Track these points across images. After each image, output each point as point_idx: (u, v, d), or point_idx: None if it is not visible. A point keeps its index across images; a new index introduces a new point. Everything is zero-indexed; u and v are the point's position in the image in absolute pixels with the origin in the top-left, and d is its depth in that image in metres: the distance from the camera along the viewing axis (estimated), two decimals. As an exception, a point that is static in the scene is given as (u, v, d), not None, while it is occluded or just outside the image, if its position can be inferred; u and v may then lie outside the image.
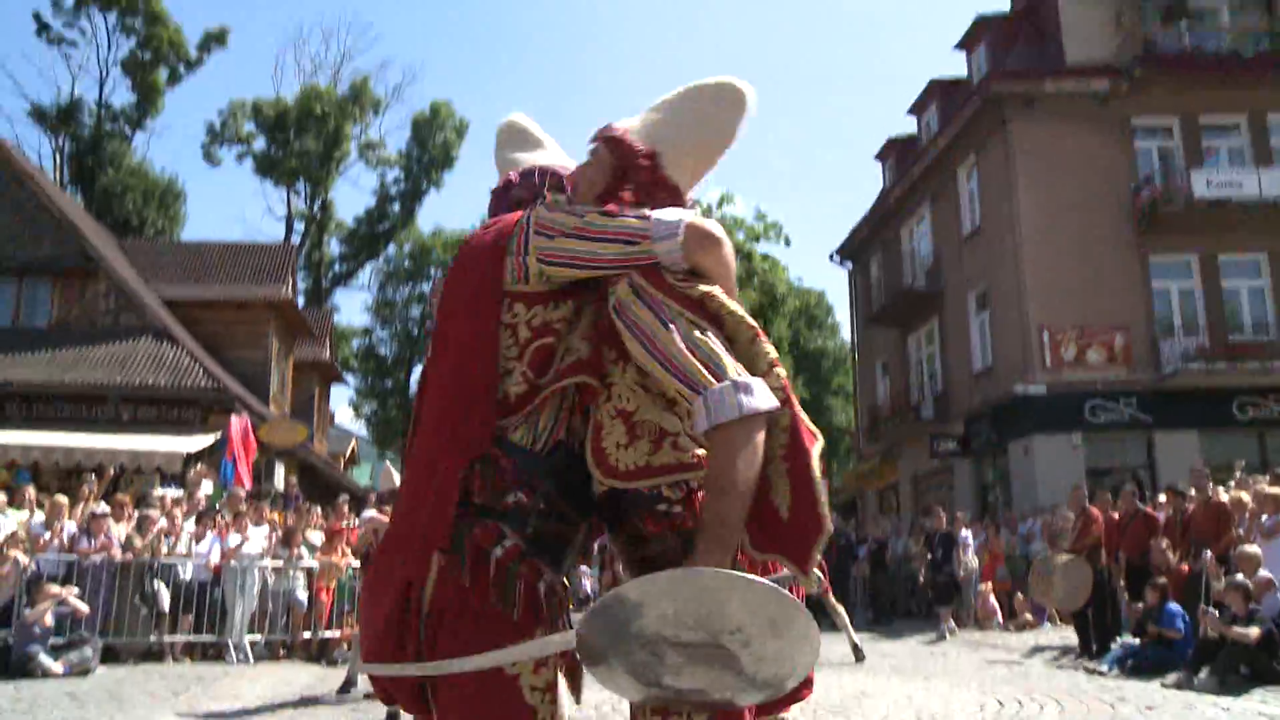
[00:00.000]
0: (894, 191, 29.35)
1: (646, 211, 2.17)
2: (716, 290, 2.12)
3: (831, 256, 33.13)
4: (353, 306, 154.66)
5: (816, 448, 2.03)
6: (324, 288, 45.89)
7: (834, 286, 70.84)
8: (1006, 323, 23.00)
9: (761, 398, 1.95)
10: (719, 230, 2.17)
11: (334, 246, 47.24)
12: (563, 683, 2.12)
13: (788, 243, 37.51)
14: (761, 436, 1.94)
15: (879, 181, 33.08)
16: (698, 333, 2.04)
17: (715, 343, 2.04)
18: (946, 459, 25.57)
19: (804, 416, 2.07)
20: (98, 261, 20.51)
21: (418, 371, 48.26)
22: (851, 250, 32.51)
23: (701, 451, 2.11)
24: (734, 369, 1.98)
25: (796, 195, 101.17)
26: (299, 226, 45.09)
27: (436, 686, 2.01)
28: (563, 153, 2.74)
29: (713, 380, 1.95)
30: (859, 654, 10.90)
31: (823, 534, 1.96)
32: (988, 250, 23.84)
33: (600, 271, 2.16)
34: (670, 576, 1.76)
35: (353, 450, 40.67)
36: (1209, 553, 10.08)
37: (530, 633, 1.98)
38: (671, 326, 2.03)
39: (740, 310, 2.14)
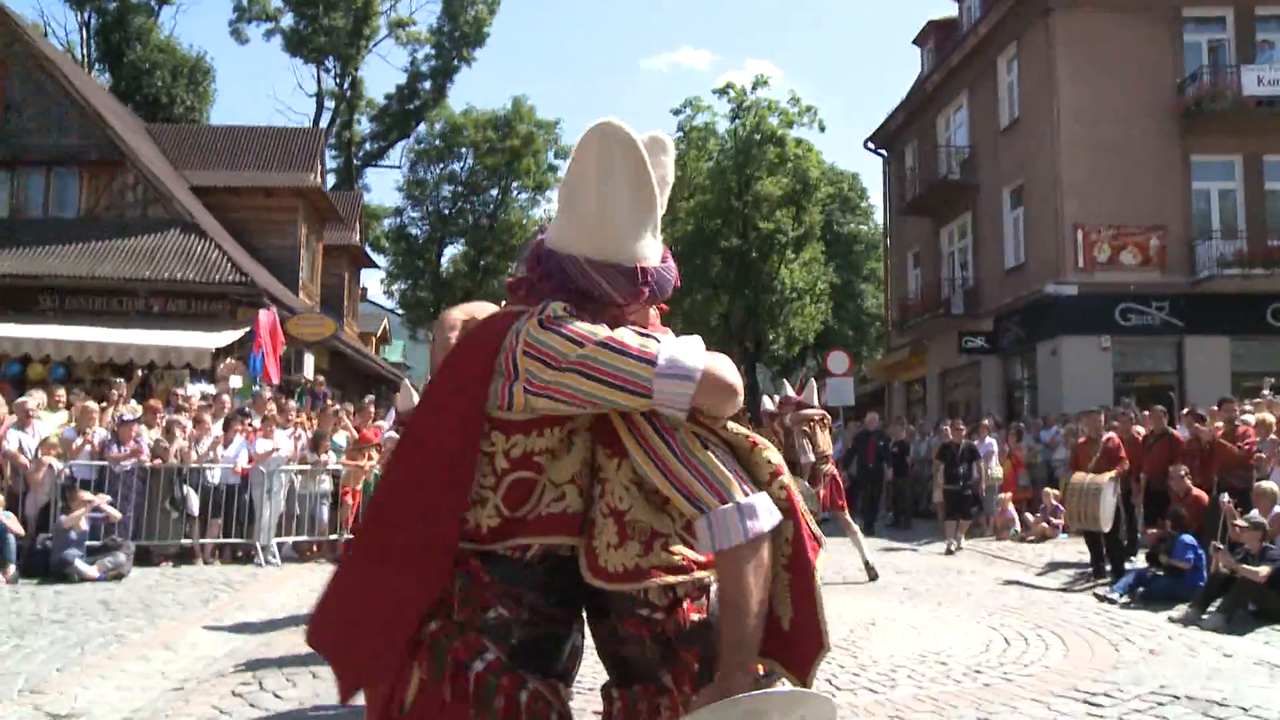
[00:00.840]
0: (931, 78, 28.60)
1: (658, 340, 1.99)
2: None
3: (866, 144, 32.51)
4: (384, 185, 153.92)
5: (820, 559, 2.05)
6: (355, 166, 45.66)
7: (868, 174, 69.93)
8: (1040, 220, 22.61)
9: (765, 517, 1.95)
10: (737, 380, 2.02)
11: (364, 125, 46.86)
12: None
13: (822, 128, 36.78)
14: (767, 553, 1.96)
15: (917, 67, 32.23)
16: (698, 444, 2.02)
17: (717, 457, 2.02)
18: (974, 356, 25.47)
19: (808, 523, 2.08)
20: (125, 152, 20.44)
21: (449, 251, 48.62)
22: (886, 138, 31.88)
23: (692, 554, 2.11)
24: (738, 489, 1.97)
25: (832, 79, 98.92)
26: (329, 104, 44.68)
27: None
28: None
29: (715, 501, 1.94)
30: (872, 573, 11.04)
31: (823, 650, 2.01)
32: (1025, 144, 23.30)
33: (593, 410, 2.03)
34: (711, 709, 1.87)
35: (384, 329, 40.99)
36: (1226, 497, 10.05)
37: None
38: (670, 439, 2.01)
39: (736, 425, 2.12)
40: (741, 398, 2.03)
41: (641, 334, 2.02)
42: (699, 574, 2.12)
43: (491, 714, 1.98)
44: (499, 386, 2.01)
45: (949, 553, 14.08)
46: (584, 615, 2.24)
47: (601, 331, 1.99)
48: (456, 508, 2.03)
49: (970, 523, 15.40)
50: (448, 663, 2.00)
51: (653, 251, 2.17)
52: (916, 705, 5.92)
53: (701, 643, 2.12)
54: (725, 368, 2.01)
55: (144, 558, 11.53)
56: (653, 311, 2.30)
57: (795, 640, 2.01)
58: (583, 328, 2.00)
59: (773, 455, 2.10)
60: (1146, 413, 13.55)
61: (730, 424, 2.09)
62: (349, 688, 2.07)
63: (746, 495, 1.96)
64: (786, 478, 2.08)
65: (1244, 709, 5.80)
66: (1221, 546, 9.13)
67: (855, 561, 11.33)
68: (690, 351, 1.99)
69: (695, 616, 2.14)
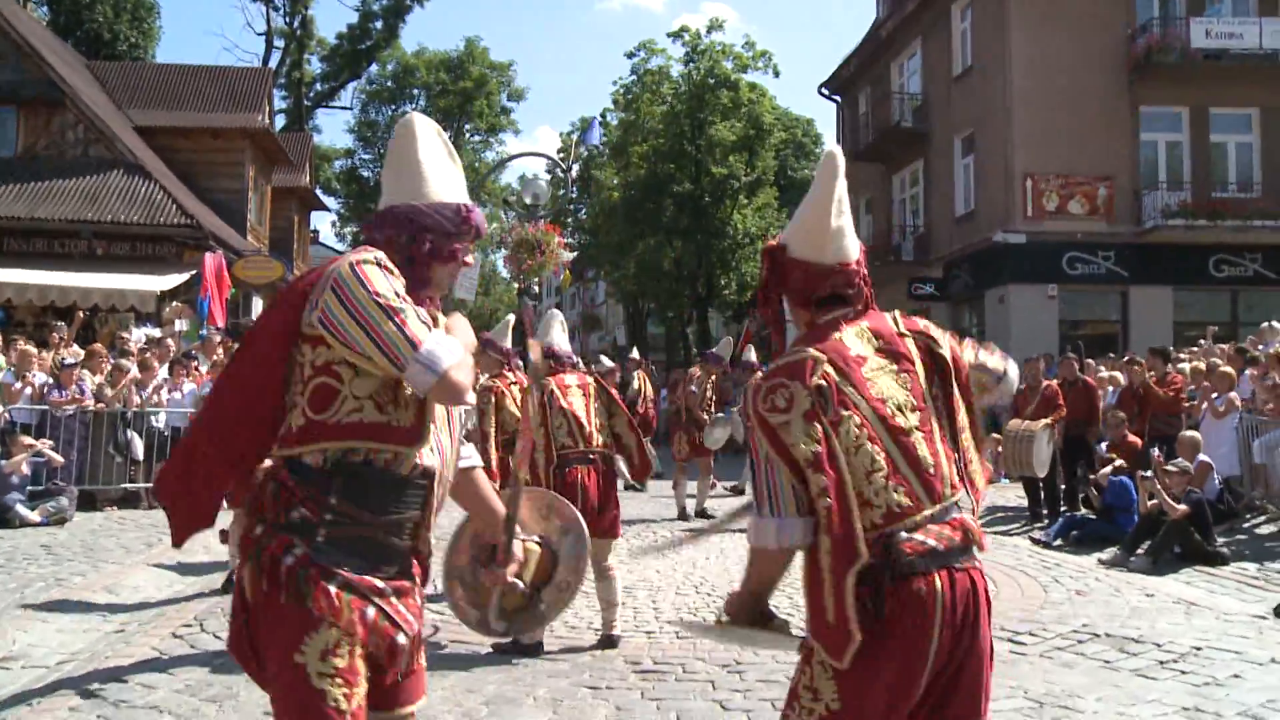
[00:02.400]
0: (886, 25, 28.50)
1: (430, 330, 2.33)
2: None
3: (820, 90, 32.46)
4: (335, 127, 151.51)
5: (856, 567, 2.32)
6: (305, 107, 44.91)
7: (823, 120, 69.61)
8: (991, 168, 22.77)
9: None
10: (466, 386, 2.34)
11: (315, 65, 46.04)
12: None
13: (777, 73, 36.58)
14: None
15: (872, 14, 32.16)
16: None
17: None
18: (924, 303, 25.71)
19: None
20: (65, 90, 19.97)
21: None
22: (840, 84, 31.82)
23: None
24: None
25: (787, 24, 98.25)
26: (279, 44, 43.80)
27: (264, 659, 2.37)
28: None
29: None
30: None
31: (853, 643, 2.29)
32: (977, 92, 23.38)
33: (351, 355, 2.34)
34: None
35: (336, 273, 40.59)
36: (1156, 451, 10.28)
37: (319, 626, 2.28)
38: None
39: None
40: (469, 402, 2.41)
41: (422, 320, 2.34)
42: None
43: (305, 601, 2.29)
44: (309, 312, 2.37)
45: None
46: (419, 523, 2.48)
47: (393, 297, 2.32)
48: (271, 400, 2.43)
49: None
50: (265, 559, 2.32)
51: (466, 196, 2.62)
52: (847, 644, 6.08)
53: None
54: (464, 373, 2.33)
55: (87, 502, 11.47)
56: (455, 318, 2.61)
57: (838, 632, 2.33)
58: (381, 284, 2.33)
59: None
60: (1060, 367, 13.62)
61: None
62: (179, 537, 2.52)
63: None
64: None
65: (1157, 644, 6.03)
66: (1149, 475, 9.42)
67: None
68: (448, 352, 2.30)
69: None
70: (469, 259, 2.63)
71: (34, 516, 10.45)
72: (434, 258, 2.51)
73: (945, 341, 2.69)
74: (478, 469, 2.80)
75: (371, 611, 2.34)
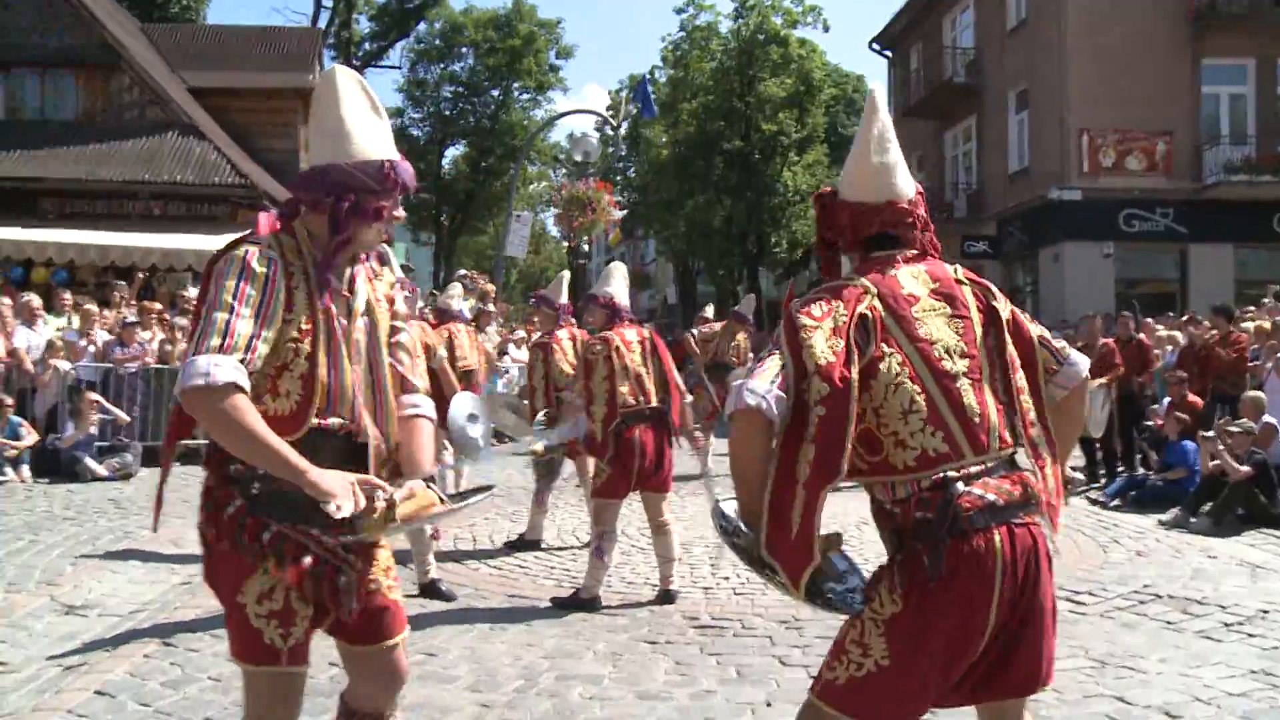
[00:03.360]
0: (939, -22, 28.06)
1: (220, 348, 2.34)
2: None
3: (871, 45, 32.01)
4: (384, 86, 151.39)
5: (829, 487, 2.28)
6: (354, 67, 44.81)
7: (874, 76, 68.47)
8: (1045, 123, 22.41)
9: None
10: (203, 414, 2.34)
11: (363, 24, 46.02)
12: None
13: (826, 28, 36.35)
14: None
15: (925, -34, 31.55)
16: None
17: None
18: (977, 261, 25.40)
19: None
20: (120, 53, 20.15)
21: (450, 153, 48.22)
22: (891, 39, 31.35)
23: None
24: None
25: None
26: (327, 3, 43.79)
27: (219, 594, 2.59)
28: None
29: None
30: None
31: (812, 563, 2.29)
32: (1031, 46, 22.96)
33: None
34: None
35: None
36: (1221, 419, 10.09)
37: (255, 571, 2.48)
38: None
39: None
40: (197, 415, 2.39)
41: (224, 333, 2.35)
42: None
43: (242, 548, 2.48)
44: None
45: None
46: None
47: (225, 295, 2.39)
48: None
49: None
50: (211, 508, 2.53)
51: (393, 151, 2.65)
52: (905, 602, 6.09)
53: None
54: (197, 405, 2.33)
55: (152, 458, 11.69)
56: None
57: (798, 547, 2.29)
58: (230, 281, 2.42)
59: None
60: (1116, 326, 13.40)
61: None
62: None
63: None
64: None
65: (1222, 606, 5.97)
66: (1210, 434, 9.29)
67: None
68: (199, 372, 2.29)
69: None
70: (399, 213, 2.71)
71: (101, 470, 10.72)
72: (357, 216, 2.55)
73: (1005, 302, 2.65)
74: (420, 418, 2.80)
75: (308, 559, 2.50)
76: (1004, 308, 2.60)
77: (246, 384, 2.34)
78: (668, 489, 6.19)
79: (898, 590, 2.35)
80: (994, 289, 2.66)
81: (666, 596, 6.10)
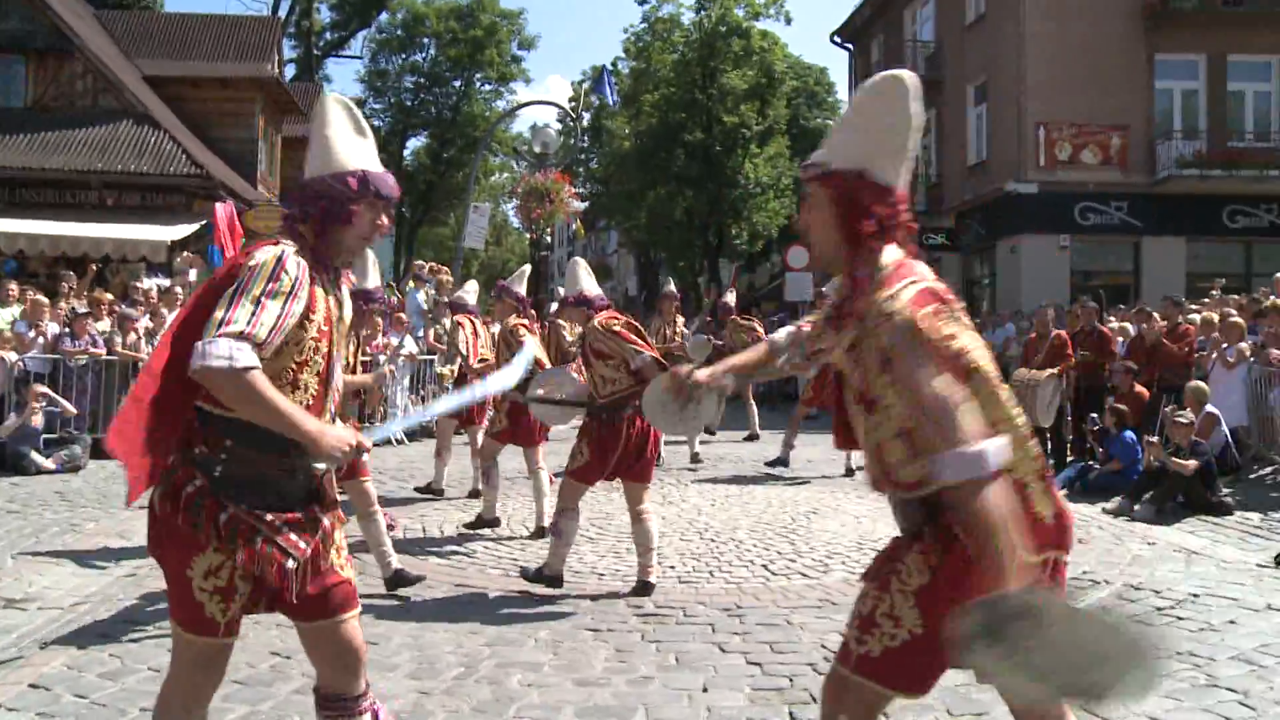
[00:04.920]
0: (900, -28, 28.20)
1: (245, 331, 2.51)
2: None
3: (832, 38, 32.14)
4: (345, 76, 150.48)
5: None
6: (315, 56, 44.58)
7: (836, 68, 68.57)
8: (1004, 117, 22.60)
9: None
10: (239, 392, 2.51)
11: (324, 14, 45.67)
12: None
13: (789, 20, 36.26)
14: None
15: (886, -41, 31.68)
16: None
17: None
18: (935, 253, 25.60)
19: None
20: (72, 39, 19.89)
21: (412, 144, 47.91)
22: (853, 32, 31.53)
23: None
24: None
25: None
26: (287, -9, 43.39)
27: (164, 563, 2.75)
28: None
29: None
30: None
31: (1073, 520, 2.51)
32: (990, 40, 23.15)
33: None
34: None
35: (348, 223, 40.47)
36: (1168, 408, 10.25)
37: (206, 549, 2.64)
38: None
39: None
40: (219, 391, 2.55)
41: (248, 322, 2.52)
42: None
43: (196, 526, 2.63)
44: None
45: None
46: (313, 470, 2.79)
47: (256, 287, 2.57)
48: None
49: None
50: (170, 486, 2.67)
51: (372, 164, 2.86)
52: (847, 589, 6.15)
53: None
54: (222, 383, 2.50)
55: (101, 450, 11.58)
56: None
57: (1059, 527, 2.45)
58: (265, 275, 2.60)
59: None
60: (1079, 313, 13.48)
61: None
62: (136, 492, 2.75)
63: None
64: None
65: (1156, 591, 6.09)
66: (1154, 440, 9.42)
67: (806, 454, 11.59)
68: (222, 354, 2.46)
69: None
70: (383, 220, 2.87)
71: (49, 464, 10.60)
72: (331, 220, 2.77)
73: None
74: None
75: (259, 540, 2.65)
76: None
77: (260, 368, 2.53)
78: (648, 479, 6.20)
79: (932, 559, 2.45)
80: None
81: (644, 588, 6.06)
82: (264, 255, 2.64)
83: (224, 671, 2.88)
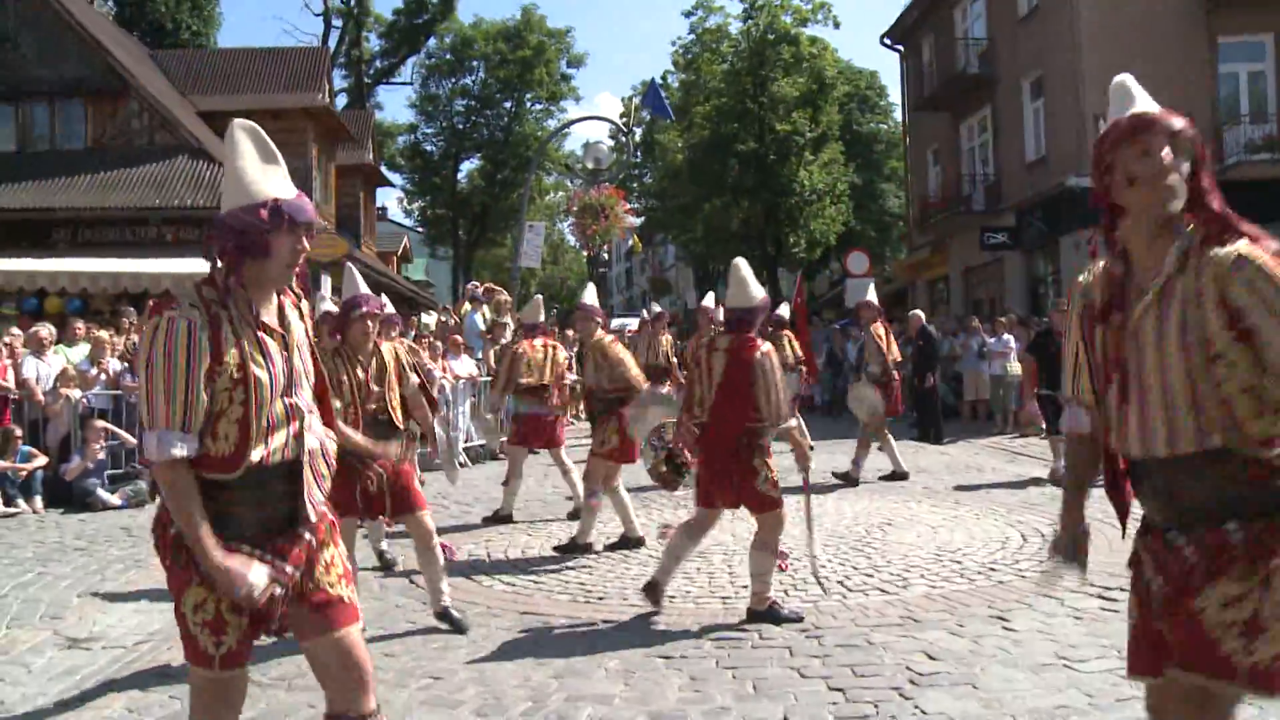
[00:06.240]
0: (948, -31, 27.80)
1: (156, 413, 2.67)
2: None
3: (882, 40, 31.76)
4: (396, 103, 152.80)
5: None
6: (366, 85, 45.09)
7: (887, 71, 67.95)
8: (1061, 111, 22.10)
9: None
10: (161, 486, 2.76)
11: (373, 42, 46.19)
12: None
13: (837, 25, 36.07)
14: None
15: (934, -43, 31.28)
16: None
17: None
18: (997, 252, 25.12)
19: None
20: (127, 79, 20.20)
21: (465, 167, 48.20)
22: (903, 33, 31.10)
23: None
24: None
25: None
26: (336, 23, 43.98)
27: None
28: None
29: None
30: (902, 473, 11.20)
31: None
32: (1044, 33, 22.67)
33: None
34: None
35: (404, 248, 40.81)
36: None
37: (190, 584, 2.74)
38: None
39: None
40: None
41: (163, 404, 2.64)
42: None
43: (179, 564, 2.76)
44: None
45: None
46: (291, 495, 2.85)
47: (156, 367, 2.65)
48: None
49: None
50: (159, 527, 2.83)
51: (283, 191, 2.79)
52: (929, 604, 5.90)
53: None
54: (155, 473, 2.79)
55: (167, 484, 11.62)
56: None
57: None
58: (158, 351, 2.66)
59: None
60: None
61: None
62: None
63: None
64: None
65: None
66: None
67: (878, 463, 11.34)
68: (148, 447, 2.67)
69: None
70: (304, 245, 2.81)
71: (114, 500, 10.63)
72: (247, 254, 2.72)
73: None
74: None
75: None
76: None
77: (190, 449, 2.65)
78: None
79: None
80: None
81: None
82: (151, 331, 2.69)
83: (238, 706, 2.96)
